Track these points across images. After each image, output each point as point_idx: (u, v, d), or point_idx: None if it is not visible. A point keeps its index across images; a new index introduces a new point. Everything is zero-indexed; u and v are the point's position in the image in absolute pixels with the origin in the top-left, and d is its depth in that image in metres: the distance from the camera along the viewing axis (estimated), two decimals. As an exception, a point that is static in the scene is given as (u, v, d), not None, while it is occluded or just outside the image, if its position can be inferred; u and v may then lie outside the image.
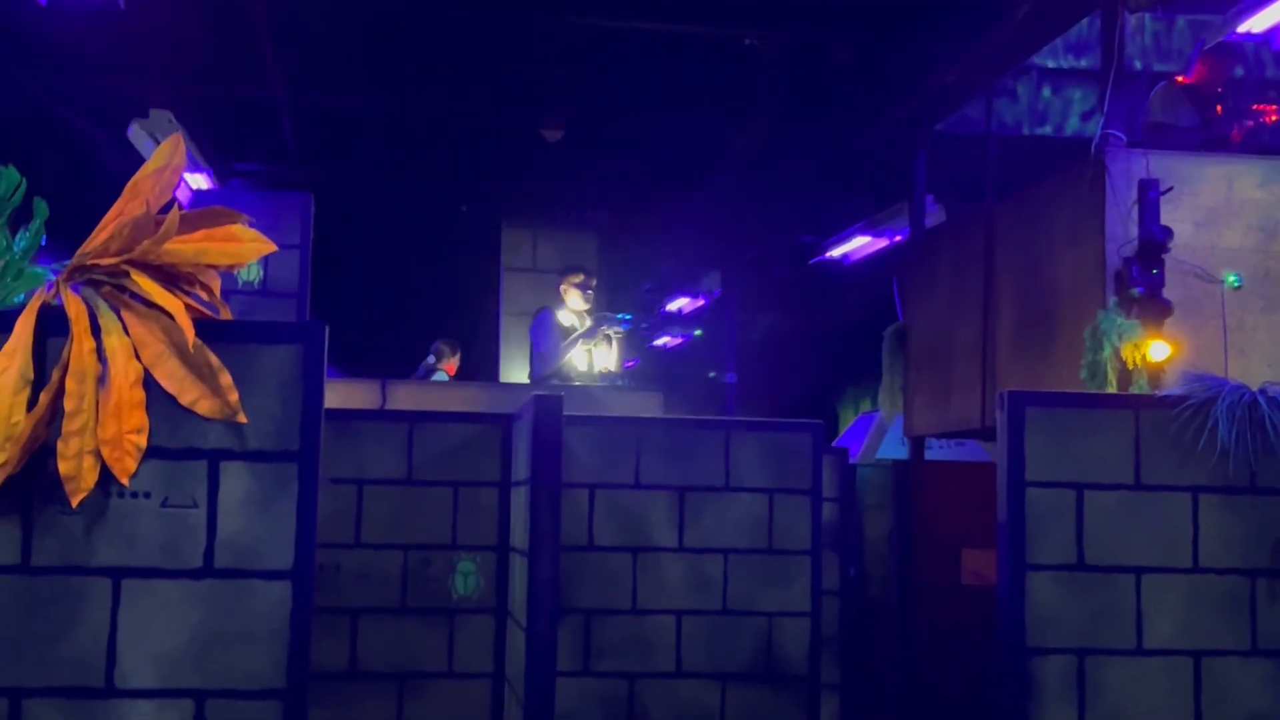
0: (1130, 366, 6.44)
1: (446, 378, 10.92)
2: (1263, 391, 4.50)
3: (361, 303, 13.96)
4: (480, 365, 11.39)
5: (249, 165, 8.85)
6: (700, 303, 14.21)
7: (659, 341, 17.06)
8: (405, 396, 7.72)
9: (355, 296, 13.61)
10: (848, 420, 15.86)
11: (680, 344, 16.79)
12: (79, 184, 8.42)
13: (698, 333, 15.39)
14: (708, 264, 12.75)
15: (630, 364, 19.12)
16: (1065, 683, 4.31)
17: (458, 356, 11.37)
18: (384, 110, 9.01)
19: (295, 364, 3.28)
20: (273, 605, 3.23)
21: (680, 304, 14.92)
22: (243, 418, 3.23)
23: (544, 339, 9.27)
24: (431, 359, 11.14)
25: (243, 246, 3.30)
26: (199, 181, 8.96)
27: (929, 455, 8.15)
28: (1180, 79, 8.22)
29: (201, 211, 3.28)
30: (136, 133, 8.52)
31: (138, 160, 8.77)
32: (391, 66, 8.60)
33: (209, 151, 8.76)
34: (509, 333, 10.46)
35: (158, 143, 8.95)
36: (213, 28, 7.75)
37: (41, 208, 3.55)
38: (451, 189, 10.78)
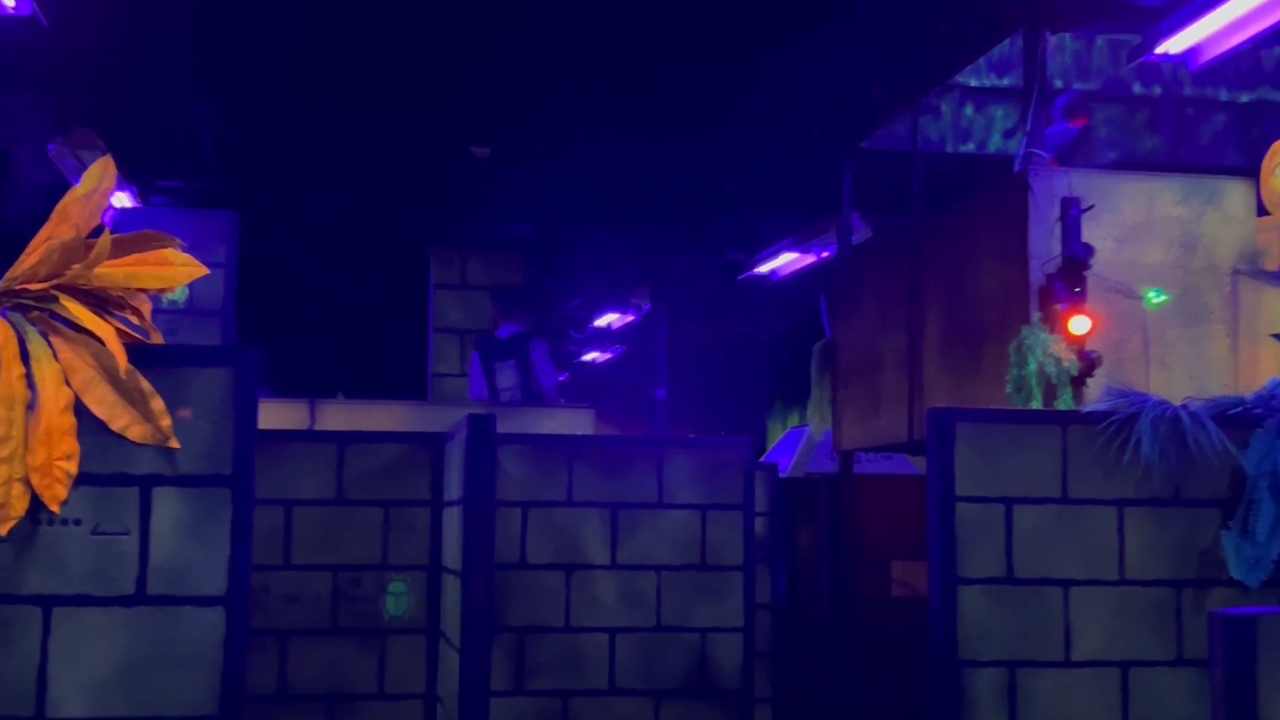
0: (1054, 381, 6.51)
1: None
2: (1184, 407, 4.60)
3: (288, 321, 13.85)
4: (409, 384, 11.36)
5: (171, 182, 8.77)
6: (630, 318, 14.26)
7: (588, 357, 17.09)
8: (334, 416, 7.67)
9: (282, 315, 13.51)
10: (776, 434, 15.98)
11: (610, 359, 16.85)
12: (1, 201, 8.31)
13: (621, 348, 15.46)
14: (636, 280, 12.79)
15: (561, 378, 19.18)
16: (997, 694, 4.38)
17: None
18: (309, 127, 8.96)
19: (227, 388, 3.28)
20: (205, 631, 3.22)
21: (609, 319, 14.98)
22: (175, 443, 3.21)
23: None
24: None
25: (174, 270, 3.30)
26: (121, 199, 8.87)
27: (857, 469, 8.26)
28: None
29: (133, 235, 3.25)
30: (58, 150, 8.42)
31: (58, 177, 8.69)
32: (316, 83, 8.56)
33: (131, 169, 8.68)
34: (439, 350, 10.42)
35: (79, 160, 8.87)
36: (135, 43, 7.66)
37: (-36, 228, 3.50)
38: (378, 206, 10.74)
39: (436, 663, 5.96)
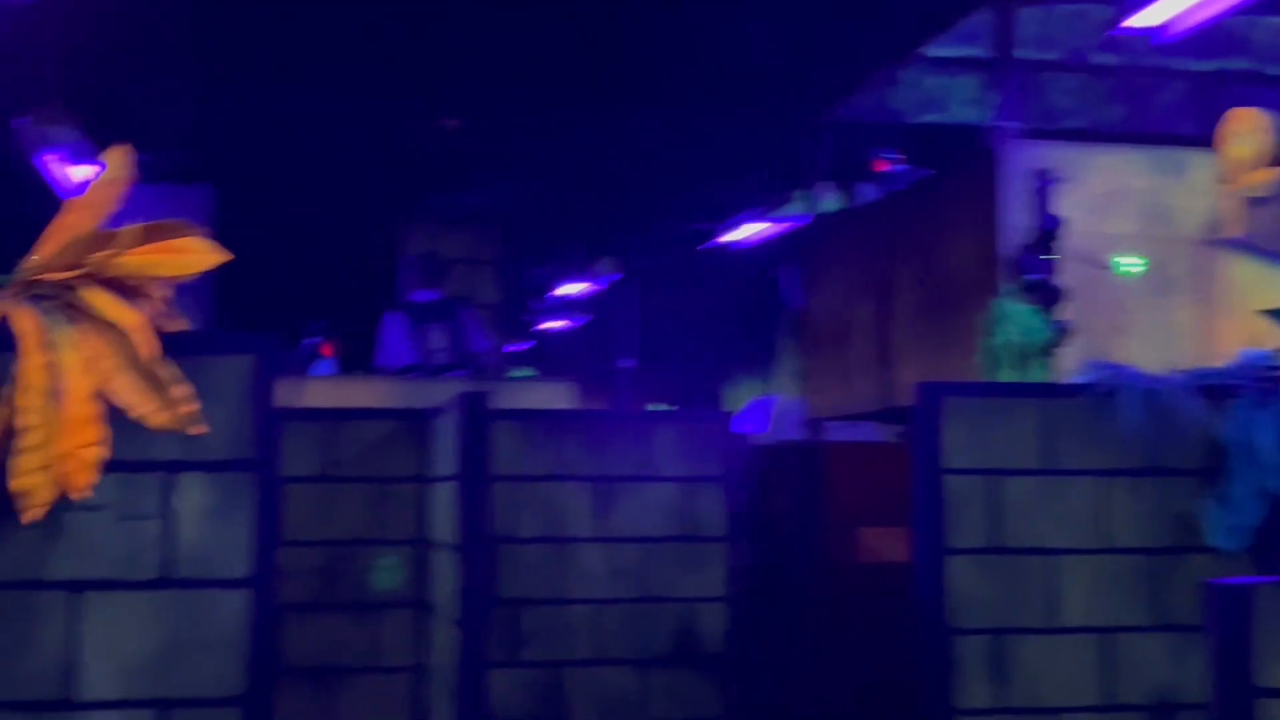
0: (1025, 352, 6.63)
1: (326, 358, 10.96)
2: (1164, 378, 4.72)
3: (264, 295, 13.77)
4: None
5: (144, 155, 8.75)
6: (596, 288, 14.30)
7: (548, 325, 17.15)
8: (319, 394, 7.69)
9: (257, 289, 13.42)
10: (738, 403, 16.07)
11: (571, 328, 16.92)
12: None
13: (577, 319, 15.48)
14: (602, 250, 12.84)
15: (525, 345, 19.21)
16: (984, 661, 4.49)
17: (338, 339, 11.37)
18: (281, 99, 8.95)
19: (249, 374, 3.32)
20: (233, 613, 3.27)
21: (574, 289, 15.03)
22: (199, 428, 3.25)
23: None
24: (312, 340, 11.12)
25: (194, 257, 3.33)
26: (91, 173, 8.79)
27: (828, 436, 8.38)
28: None
29: (153, 224, 3.29)
30: (27, 126, 8.37)
31: (29, 155, 8.62)
32: (287, 55, 8.55)
33: (102, 144, 8.61)
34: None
35: (46, 136, 8.81)
36: (109, 16, 7.63)
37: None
38: (349, 179, 10.73)
39: (424, 636, 6.05)
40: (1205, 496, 4.57)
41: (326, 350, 10.88)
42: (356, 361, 11.25)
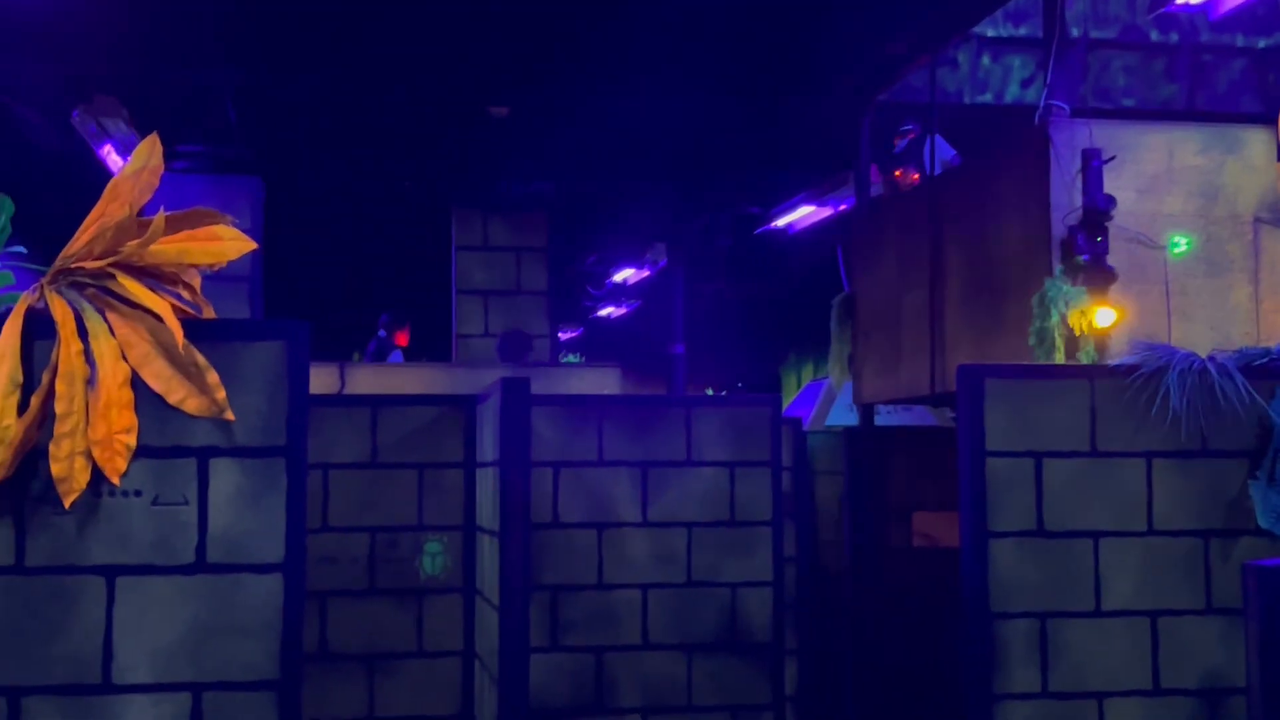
0: (1078, 333, 6.56)
1: (399, 348, 11.08)
2: (1211, 358, 4.65)
3: (314, 285, 13.89)
4: (435, 345, 11.33)
5: (193, 146, 8.78)
6: (646, 273, 14.27)
7: (603, 312, 17.14)
8: (364, 380, 7.74)
9: (307, 279, 13.54)
10: (791, 387, 16.00)
11: (625, 314, 16.90)
12: (22, 171, 8.33)
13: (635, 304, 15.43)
14: (653, 235, 12.79)
15: (576, 332, 19.25)
16: (1028, 645, 4.44)
17: (407, 327, 11.49)
18: (329, 90, 8.97)
19: (280, 360, 3.34)
20: (264, 598, 3.29)
21: (625, 274, 15.03)
22: (230, 415, 3.27)
23: None
24: (383, 332, 11.27)
25: (224, 245, 3.35)
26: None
27: (877, 421, 8.36)
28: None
29: (185, 213, 3.31)
30: (81, 118, 8.43)
31: (81, 146, 8.70)
32: (335, 46, 8.56)
33: (152, 133, 8.67)
34: (462, 312, 10.45)
35: (101, 127, 8.88)
36: (155, 8, 7.67)
37: (6, 203, 3.54)
38: (399, 168, 10.74)
39: (473, 621, 6.08)
40: (1253, 478, 4.48)
41: (401, 339, 11.03)
42: (410, 349, 11.36)
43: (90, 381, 3.20)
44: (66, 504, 3.18)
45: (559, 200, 10.83)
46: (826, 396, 9.88)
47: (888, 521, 7.62)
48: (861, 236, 8.82)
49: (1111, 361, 4.96)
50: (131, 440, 3.23)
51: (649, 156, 10.11)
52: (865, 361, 8.22)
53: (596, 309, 16.97)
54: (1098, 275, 6.59)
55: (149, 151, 3.36)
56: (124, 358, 3.23)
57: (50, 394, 3.17)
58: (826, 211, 10.97)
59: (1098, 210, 6.62)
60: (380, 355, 10.94)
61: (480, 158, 10.11)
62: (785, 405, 11.43)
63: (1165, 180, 6.82)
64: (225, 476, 3.29)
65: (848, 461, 7.78)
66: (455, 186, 10.57)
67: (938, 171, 8.13)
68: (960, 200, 7.56)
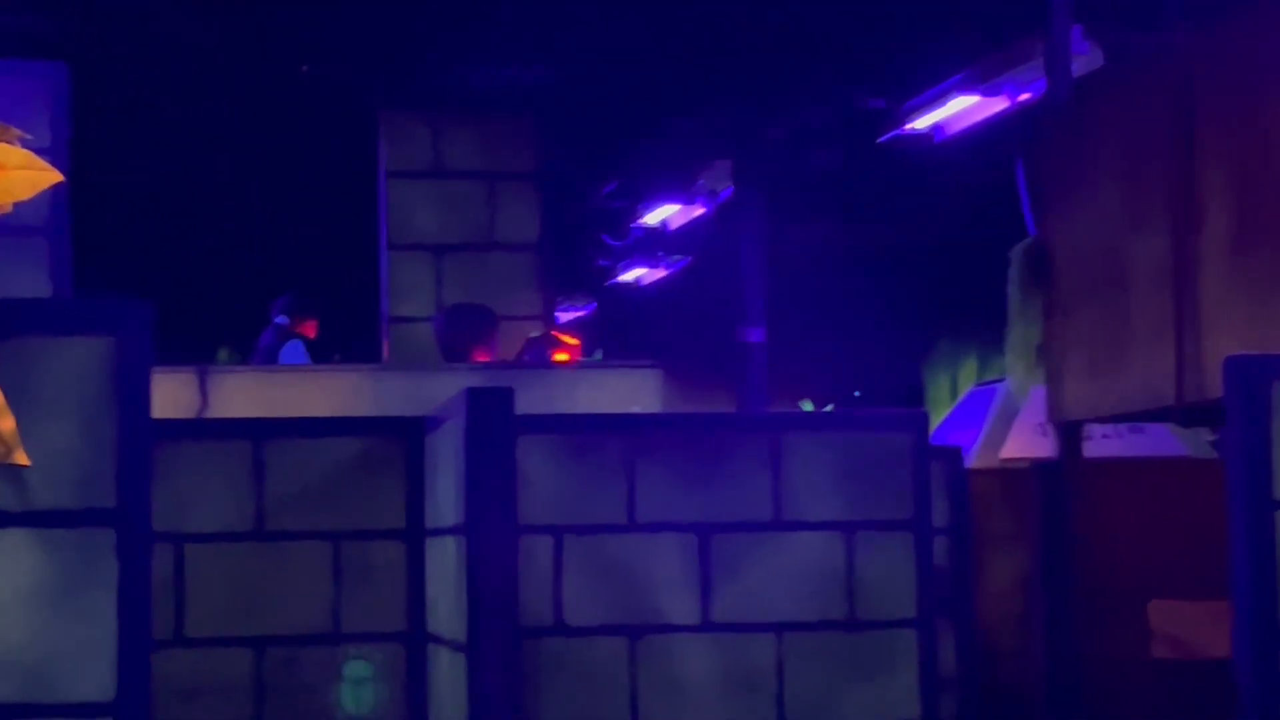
0: None
1: (303, 345, 9.57)
2: None
3: (157, 243, 11.78)
4: (356, 335, 9.46)
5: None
6: (699, 211, 12.13)
7: (628, 276, 14.81)
8: (240, 394, 6.18)
9: (146, 234, 11.39)
10: (943, 396, 13.95)
11: (666, 279, 14.48)
12: None
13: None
14: (709, 149, 10.73)
15: (584, 310, 17.00)
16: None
17: (315, 314, 9.88)
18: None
19: (104, 366, 2.75)
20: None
21: (664, 214, 12.65)
22: (22, 458, 2.64)
23: None
24: (282, 318, 9.55)
25: (10, 177, 2.75)
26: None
27: (1089, 451, 6.85)
28: None
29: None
30: None
31: None
32: None
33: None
34: (400, 280, 8.26)
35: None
36: None
37: None
38: (289, 43, 8.36)
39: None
40: None
41: (309, 329, 9.35)
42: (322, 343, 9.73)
43: None
44: None
45: (556, 94, 8.57)
46: (1003, 411, 8.17)
47: (1106, 617, 6.15)
48: (1057, 146, 7.04)
49: None
50: None
51: (703, 17, 7.77)
52: (1067, 353, 6.68)
53: (618, 271, 14.31)
54: None
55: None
56: None
57: None
58: (997, 105, 8.89)
59: None
60: (273, 355, 9.17)
61: (426, 23, 7.78)
62: (935, 426, 9.74)
63: None
64: (17, 559, 2.64)
65: (1040, 518, 6.28)
66: (384, 73, 8.25)
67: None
68: (1226, 79, 5.86)
